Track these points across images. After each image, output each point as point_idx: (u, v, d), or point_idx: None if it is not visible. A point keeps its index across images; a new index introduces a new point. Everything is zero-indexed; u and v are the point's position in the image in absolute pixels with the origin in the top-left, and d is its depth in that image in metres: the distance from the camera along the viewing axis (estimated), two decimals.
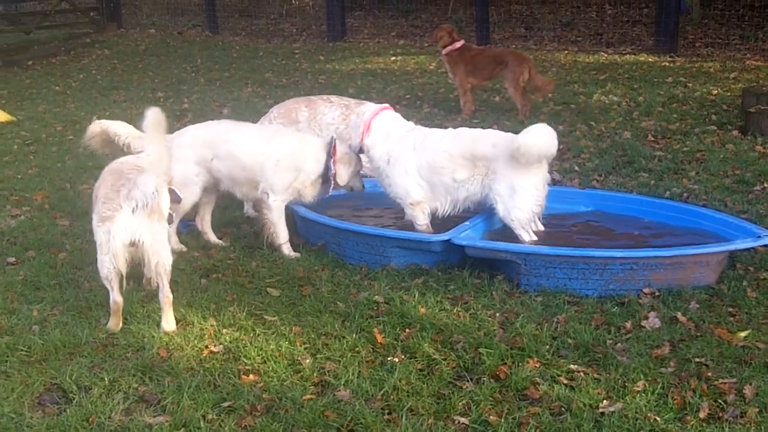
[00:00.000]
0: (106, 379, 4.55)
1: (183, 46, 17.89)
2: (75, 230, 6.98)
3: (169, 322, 5.10)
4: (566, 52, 15.47)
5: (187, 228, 6.90)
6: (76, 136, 10.41)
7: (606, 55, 14.87)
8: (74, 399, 4.40)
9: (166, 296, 5.10)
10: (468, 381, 4.46)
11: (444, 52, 10.64)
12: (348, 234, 6.18)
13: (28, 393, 4.48)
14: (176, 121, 10.89)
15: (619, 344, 4.75)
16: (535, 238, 5.98)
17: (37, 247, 6.49)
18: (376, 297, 5.48)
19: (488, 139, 6.12)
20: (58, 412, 4.31)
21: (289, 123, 7.30)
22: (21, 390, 4.49)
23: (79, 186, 8.15)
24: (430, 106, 11.27)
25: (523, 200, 5.91)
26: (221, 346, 4.92)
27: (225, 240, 6.64)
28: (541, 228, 6.12)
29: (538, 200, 5.97)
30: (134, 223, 4.89)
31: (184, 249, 6.40)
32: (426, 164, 6.20)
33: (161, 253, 5.03)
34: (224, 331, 5.10)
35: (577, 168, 8.13)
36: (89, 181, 8.13)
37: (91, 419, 4.19)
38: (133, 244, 4.94)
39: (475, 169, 6.08)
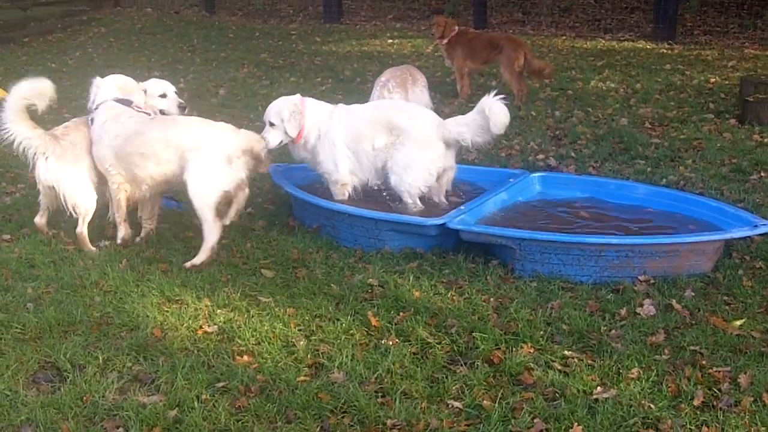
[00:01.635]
0: (100, 357, 4.56)
1: (179, 25, 17.78)
2: None
3: None
4: (564, 37, 15.42)
5: (181, 208, 6.89)
6: (72, 113, 10.36)
7: (604, 42, 14.83)
8: (68, 377, 4.40)
9: None
10: (462, 365, 4.47)
11: (444, 42, 10.57)
12: (343, 216, 6.17)
13: (22, 371, 4.48)
14: None
15: (613, 331, 4.75)
16: (422, 207, 6.31)
17: (31, 225, 6.45)
18: (371, 280, 5.47)
19: (406, 111, 6.41)
20: (52, 390, 4.31)
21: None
22: (15, 368, 4.49)
23: None
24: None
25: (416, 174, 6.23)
26: (215, 326, 4.92)
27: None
28: (445, 202, 6.45)
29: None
30: None
31: None
32: (350, 134, 6.36)
33: None
34: (218, 311, 5.09)
35: (573, 154, 8.12)
36: None
37: (85, 398, 4.20)
38: None
39: (389, 137, 6.28)
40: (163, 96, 6.53)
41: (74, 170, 6.04)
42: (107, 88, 6.32)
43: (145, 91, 6.48)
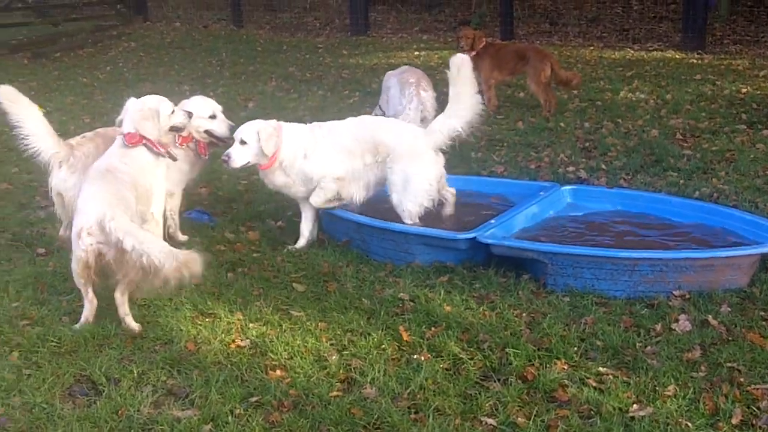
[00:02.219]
0: (135, 371, 4.58)
1: (208, 39, 17.91)
2: None
3: None
4: (591, 48, 15.35)
5: (212, 221, 6.93)
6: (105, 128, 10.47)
7: (632, 52, 14.75)
8: (104, 391, 4.43)
9: None
10: (495, 381, 4.44)
11: (471, 54, 10.52)
12: (372, 230, 6.17)
13: (58, 384, 4.52)
14: None
15: (648, 347, 4.70)
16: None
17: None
18: (401, 294, 5.47)
19: (389, 128, 6.45)
20: (88, 404, 4.34)
21: None
22: (52, 381, 4.53)
23: None
24: None
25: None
26: (248, 340, 4.93)
27: (251, 235, 6.62)
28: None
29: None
30: None
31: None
32: (340, 150, 6.29)
33: None
34: (251, 325, 5.11)
35: (603, 166, 8.07)
36: None
37: (120, 411, 4.22)
38: None
39: (377, 155, 6.28)
40: (213, 117, 6.43)
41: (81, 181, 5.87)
42: (129, 115, 5.78)
43: (190, 113, 6.13)
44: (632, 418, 4.05)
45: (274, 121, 6.33)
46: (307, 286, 5.69)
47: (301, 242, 6.43)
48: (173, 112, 5.93)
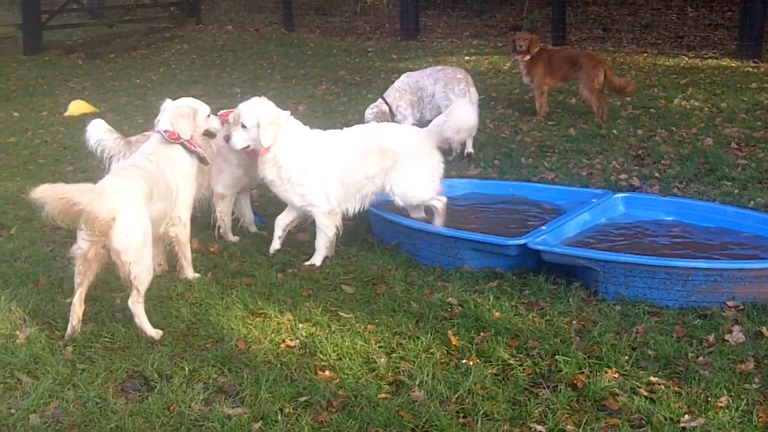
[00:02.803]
0: (186, 368, 4.64)
1: (259, 42, 18.06)
2: None
3: None
4: (645, 54, 15.18)
5: (263, 223, 6.99)
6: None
7: (687, 59, 14.56)
8: (156, 387, 4.49)
9: None
10: (544, 388, 4.42)
11: (525, 58, 10.49)
12: (422, 234, 6.18)
13: (111, 379, 4.59)
14: None
15: (701, 358, 4.64)
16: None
17: None
18: (450, 299, 5.46)
19: (394, 133, 6.45)
20: (140, 399, 4.41)
21: None
22: (105, 376, 4.61)
23: None
24: (504, 107, 11.20)
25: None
26: (297, 340, 4.97)
27: (301, 237, 6.66)
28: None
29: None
30: None
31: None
32: (341, 167, 6.14)
33: None
34: (300, 325, 5.14)
35: (657, 174, 7.99)
36: None
37: (172, 408, 4.27)
38: None
39: (383, 162, 6.23)
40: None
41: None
42: (167, 114, 5.78)
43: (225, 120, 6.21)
44: (683, 428, 4.00)
45: (279, 111, 6.06)
46: (356, 288, 5.71)
47: (316, 259, 6.18)
48: (209, 116, 5.96)
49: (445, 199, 6.41)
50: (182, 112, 5.75)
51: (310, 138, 6.17)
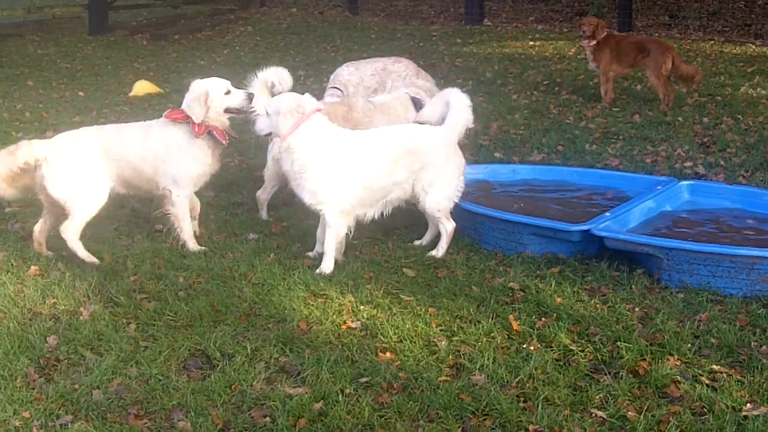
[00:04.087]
0: (248, 347, 4.70)
1: (323, 25, 18.13)
2: (220, 202, 7.24)
3: None
4: (712, 42, 14.90)
5: None
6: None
7: (754, 47, 14.24)
8: (218, 365, 4.56)
9: None
10: (605, 374, 4.40)
11: (591, 43, 10.37)
12: (484, 219, 6.17)
13: (174, 357, 4.67)
14: (316, 99, 11.10)
15: (764, 347, 4.57)
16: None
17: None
18: (512, 284, 5.46)
19: (421, 134, 6.10)
20: (202, 377, 4.48)
21: None
22: (168, 354, 4.69)
23: (224, 159, 8.36)
24: (569, 93, 11.09)
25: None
26: (359, 322, 5.01)
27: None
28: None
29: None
30: None
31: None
32: (371, 174, 5.81)
33: None
34: (362, 307, 5.18)
35: (722, 162, 7.85)
36: (233, 155, 8.41)
37: (233, 386, 4.34)
38: None
39: (414, 165, 5.91)
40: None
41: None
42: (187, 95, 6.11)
43: (251, 95, 6.30)
44: (745, 417, 3.95)
45: (306, 102, 5.77)
46: (418, 271, 5.73)
47: (327, 264, 5.79)
48: (229, 92, 6.07)
49: (455, 224, 6.08)
50: (194, 95, 5.98)
51: (337, 137, 5.81)
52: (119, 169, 6.07)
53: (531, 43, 15.32)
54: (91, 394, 4.29)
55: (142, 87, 12.07)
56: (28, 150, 5.86)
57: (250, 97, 6.18)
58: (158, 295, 5.42)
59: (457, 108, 6.10)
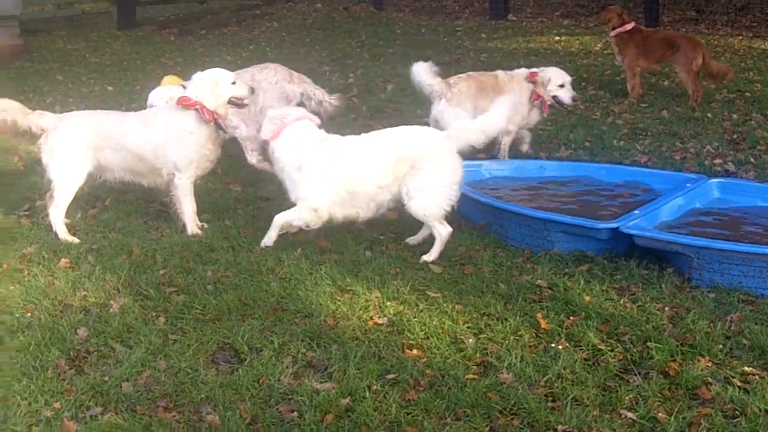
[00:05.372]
0: (275, 342, 4.70)
1: (348, 21, 18.09)
2: (247, 196, 7.25)
3: None
4: (740, 37, 14.74)
5: None
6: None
7: None
8: (246, 359, 4.57)
9: None
10: (635, 375, 4.36)
11: (613, 33, 10.35)
12: (511, 215, 6.13)
13: (202, 350, 4.68)
14: (341, 95, 11.09)
15: None
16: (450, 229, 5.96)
17: (211, 211, 6.75)
18: (539, 281, 5.42)
19: (414, 137, 6.04)
20: (230, 371, 4.49)
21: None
22: (196, 347, 4.70)
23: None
24: (596, 89, 11.01)
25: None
26: (385, 318, 4.99)
27: (389, 215, 6.65)
28: None
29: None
30: None
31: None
32: (348, 177, 5.87)
33: None
34: (388, 303, 5.17)
35: (752, 160, 7.77)
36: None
37: (261, 380, 4.34)
38: None
39: (401, 169, 5.86)
40: (562, 86, 7.69)
41: (456, 111, 7.44)
42: (192, 84, 6.53)
43: (542, 81, 7.69)
44: None
45: (288, 111, 6.37)
46: (444, 268, 5.70)
47: (268, 237, 6.13)
48: (234, 83, 6.50)
49: (450, 229, 5.94)
50: (206, 84, 6.36)
51: (313, 141, 6.01)
52: (119, 155, 6.40)
53: (557, 38, 15.22)
54: (121, 387, 4.31)
55: (170, 81, 12.07)
56: (37, 117, 6.38)
57: (252, 90, 6.66)
58: (187, 289, 5.43)
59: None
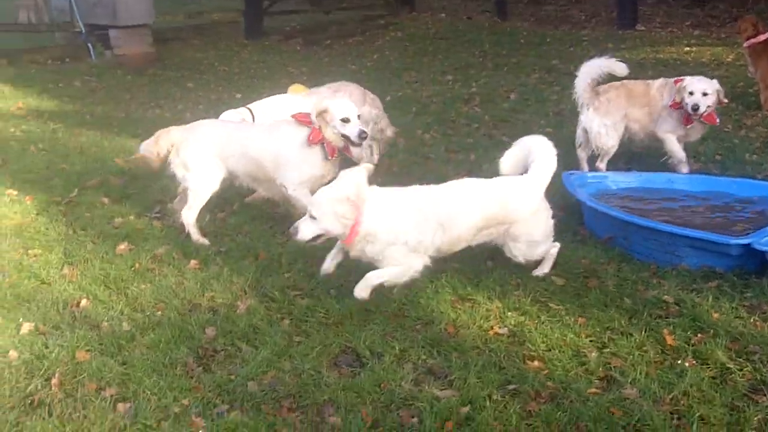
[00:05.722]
0: (396, 347, 4.76)
1: (471, 30, 18.09)
2: None
3: None
4: None
5: None
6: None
7: None
8: (367, 363, 4.64)
9: None
10: (765, 395, 4.22)
11: (746, 44, 10.02)
12: (637, 228, 6.01)
13: (325, 353, 4.78)
14: (463, 104, 11.12)
15: None
16: None
17: None
18: (666, 297, 5.30)
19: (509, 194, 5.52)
20: (352, 375, 4.56)
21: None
22: (320, 349, 4.80)
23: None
24: (727, 100, 10.62)
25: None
26: (506, 328, 4.98)
27: None
28: None
29: None
30: None
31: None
32: (448, 241, 5.39)
33: None
34: (509, 313, 5.15)
35: None
36: (381, 158, 8.51)
37: (382, 385, 4.40)
38: None
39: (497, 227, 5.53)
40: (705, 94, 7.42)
41: (604, 120, 7.62)
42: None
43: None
44: None
45: (356, 180, 5.24)
46: (567, 280, 5.64)
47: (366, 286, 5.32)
48: (348, 120, 6.32)
49: (558, 245, 5.77)
50: (318, 110, 6.37)
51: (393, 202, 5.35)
52: (242, 161, 6.61)
53: (686, 48, 14.82)
54: (247, 386, 4.43)
55: (297, 90, 12.36)
56: (166, 137, 6.59)
57: (362, 136, 6.30)
58: (311, 293, 5.54)
59: (542, 157, 5.62)
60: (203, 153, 6.56)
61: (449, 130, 9.87)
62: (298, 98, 8.08)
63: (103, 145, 9.82)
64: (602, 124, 7.68)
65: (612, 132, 7.70)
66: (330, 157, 6.45)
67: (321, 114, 6.35)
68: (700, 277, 5.57)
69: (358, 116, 6.39)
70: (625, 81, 7.80)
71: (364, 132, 6.32)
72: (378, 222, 5.18)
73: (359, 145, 6.48)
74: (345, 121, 6.31)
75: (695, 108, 7.33)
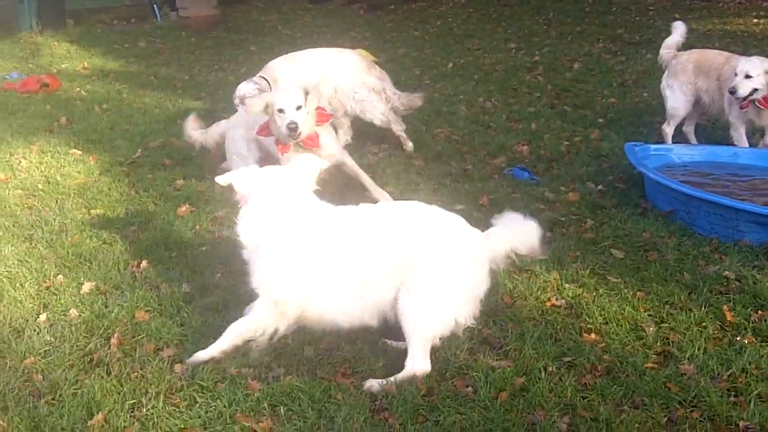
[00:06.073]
0: None
1: None
2: (429, 171, 7.32)
3: None
4: None
5: (533, 179, 6.99)
6: (432, 80, 10.85)
7: None
8: None
9: None
10: None
11: None
12: (700, 203, 5.91)
13: None
14: (526, 73, 11.02)
15: None
16: None
17: (394, 184, 6.87)
18: (726, 272, 5.21)
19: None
20: None
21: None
22: None
23: (434, 129, 8.50)
24: None
25: None
26: (563, 300, 4.96)
27: (571, 196, 6.57)
28: None
29: None
30: None
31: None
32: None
33: None
34: (566, 285, 5.12)
35: None
36: (443, 126, 8.50)
37: (437, 354, 4.38)
38: None
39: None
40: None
41: (669, 81, 7.68)
42: None
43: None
44: None
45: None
46: (626, 253, 5.58)
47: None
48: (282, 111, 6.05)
49: None
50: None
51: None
52: None
53: (755, 20, 14.42)
54: (303, 350, 4.48)
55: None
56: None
57: (291, 126, 5.93)
58: None
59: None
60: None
61: (511, 98, 9.78)
62: (332, 53, 8.28)
63: (166, 106, 9.97)
64: (667, 86, 7.71)
65: (678, 95, 7.62)
66: (280, 155, 6.15)
67: (267, 108, 6.11)
68: (762, 254, 5.47)
69: (298, 108, 5.97)
70: (706, 50, 7.89)
71: (293, 122, 5.93)
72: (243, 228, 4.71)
73: (291, 137, 6.03)
74: (281, 111, 6.02)
75: (732, 91, 6.95)
